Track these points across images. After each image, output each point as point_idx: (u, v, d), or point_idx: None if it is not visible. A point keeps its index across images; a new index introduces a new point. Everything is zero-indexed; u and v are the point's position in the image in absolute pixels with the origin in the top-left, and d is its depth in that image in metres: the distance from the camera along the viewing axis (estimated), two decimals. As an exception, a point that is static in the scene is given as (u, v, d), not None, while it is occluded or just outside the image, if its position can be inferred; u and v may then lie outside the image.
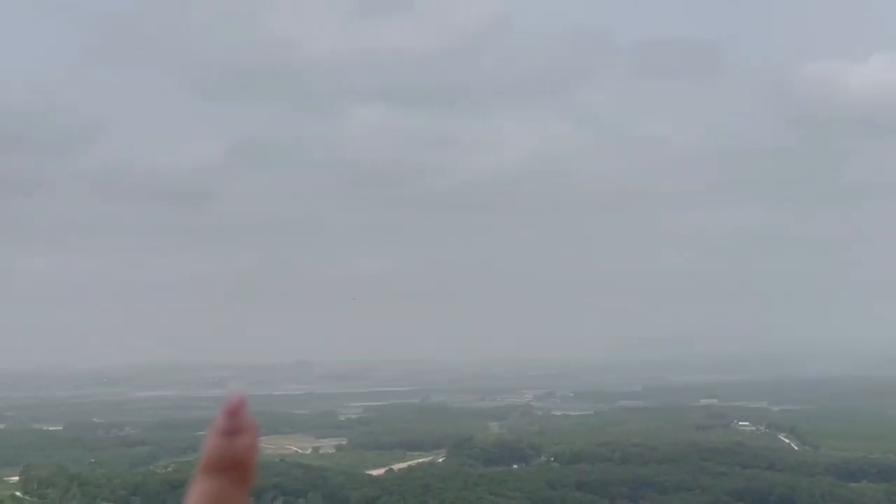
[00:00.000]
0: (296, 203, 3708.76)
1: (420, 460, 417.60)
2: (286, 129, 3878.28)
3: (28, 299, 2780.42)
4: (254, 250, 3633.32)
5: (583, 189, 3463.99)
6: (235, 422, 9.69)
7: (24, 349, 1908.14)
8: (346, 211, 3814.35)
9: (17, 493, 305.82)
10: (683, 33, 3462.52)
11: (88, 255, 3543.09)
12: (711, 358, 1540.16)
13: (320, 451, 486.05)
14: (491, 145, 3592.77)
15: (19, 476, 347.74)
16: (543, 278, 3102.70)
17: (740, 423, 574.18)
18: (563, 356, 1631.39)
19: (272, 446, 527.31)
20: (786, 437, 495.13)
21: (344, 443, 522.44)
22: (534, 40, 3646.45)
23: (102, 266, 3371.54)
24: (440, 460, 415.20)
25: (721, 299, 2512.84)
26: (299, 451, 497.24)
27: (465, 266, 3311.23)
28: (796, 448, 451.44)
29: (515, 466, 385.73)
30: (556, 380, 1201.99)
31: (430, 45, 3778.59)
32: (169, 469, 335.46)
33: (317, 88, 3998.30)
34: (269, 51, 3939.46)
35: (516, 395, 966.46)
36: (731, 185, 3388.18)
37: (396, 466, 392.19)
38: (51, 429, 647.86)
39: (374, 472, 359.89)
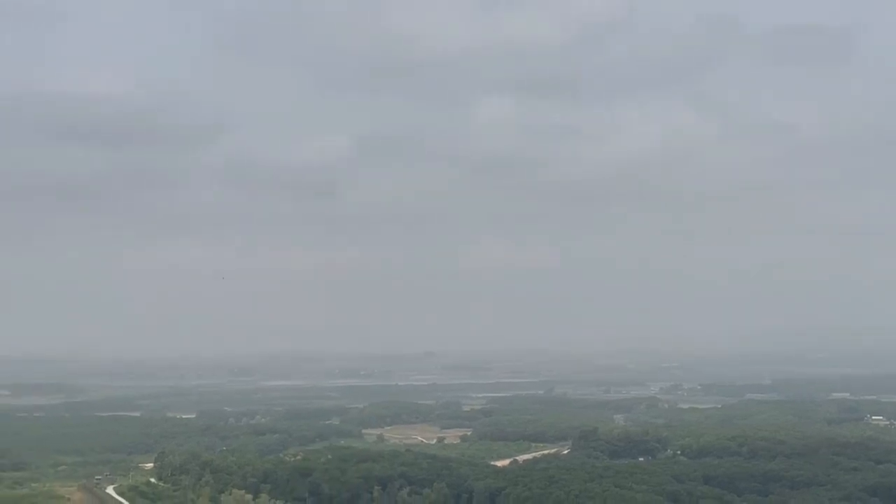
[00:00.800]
0: (421, 196, 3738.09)
1: (544, 452, 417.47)
2: (411, 122, 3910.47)
3: (159, 290, 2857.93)
4: (379, 242, 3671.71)
5: (709, 178, 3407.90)
6: None
7: (158, 339, 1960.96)
8: (471, 203, 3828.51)
9: (152, 480, 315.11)
10: (814, 19, 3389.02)
11: (217, 248, 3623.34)
12: (843, 351, 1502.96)
13: (445, 442, 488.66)
14: (617, 135, 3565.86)
15: (154, 463, 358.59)
16: (667, 269, 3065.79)
17: (873, 417, 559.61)
18: (689, 348, 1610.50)
19: (398, 436, 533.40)
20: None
21: (468, 433, 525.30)
22: (660, 29, 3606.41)
23: (231, 258, 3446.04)
24: (565, 452, 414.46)
25: (854, 290, 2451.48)
26: (425, 440, 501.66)
27: (589, 256, 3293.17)
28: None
29: (641, 459, 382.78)
30: (683, 372, 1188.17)
31: (555, 37, 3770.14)
32: (298, 457, 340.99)
33: (442, 82, 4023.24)
34: (395, 45, 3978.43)
35: (642, 388, 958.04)
36: (865, 174, 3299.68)
37: (521, 458, 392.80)
38: (184, 417, 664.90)
39: (499, 463, 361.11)
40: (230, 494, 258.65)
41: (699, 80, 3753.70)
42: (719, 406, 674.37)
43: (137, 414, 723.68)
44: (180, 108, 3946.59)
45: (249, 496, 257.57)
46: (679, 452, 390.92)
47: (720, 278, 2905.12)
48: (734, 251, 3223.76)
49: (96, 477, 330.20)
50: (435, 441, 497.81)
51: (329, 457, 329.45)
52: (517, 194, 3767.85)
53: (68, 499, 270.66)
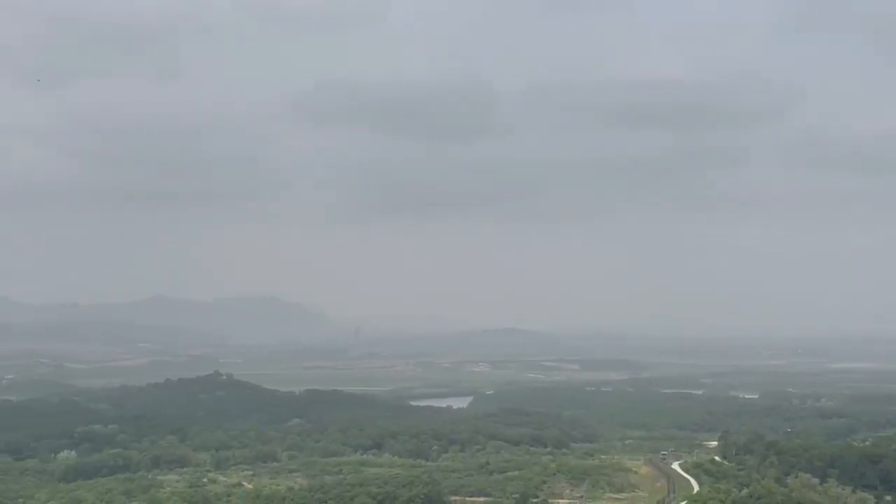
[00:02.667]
0: None
1: None
2: None
3: (721, 269, 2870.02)
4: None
5: None
6: None
7: (718, 318, 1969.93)
8: None
9: (716, 458, 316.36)
10: None
11: (783, 226, 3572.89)
12: None
13: None
14: None
15: (717, 441, 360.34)
16: None
17: None
18: None
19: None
20: None
21: None
22: None
23: (796, 234, 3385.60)
24: None
25: None
26: None
27: None
28: None
29: None
30: None
31: None
32: (867, 443, 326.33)
33: None
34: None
35: None
36: None
37: None
38: (746, 396, 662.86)
39: None
40: (796, 478, 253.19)
41: None
42: None
43: (700, 392, 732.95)
44: (743, 87, 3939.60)
45: (816, 480, 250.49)
46: None
47: None
48: None
49: (661, 452, 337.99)
50: None
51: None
52: None
53: (635, 472, 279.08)
